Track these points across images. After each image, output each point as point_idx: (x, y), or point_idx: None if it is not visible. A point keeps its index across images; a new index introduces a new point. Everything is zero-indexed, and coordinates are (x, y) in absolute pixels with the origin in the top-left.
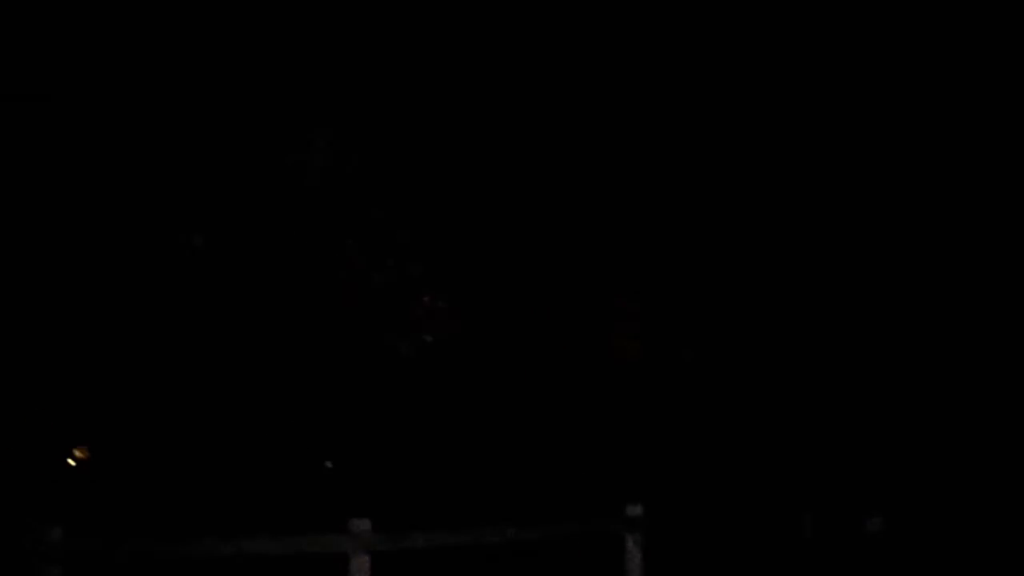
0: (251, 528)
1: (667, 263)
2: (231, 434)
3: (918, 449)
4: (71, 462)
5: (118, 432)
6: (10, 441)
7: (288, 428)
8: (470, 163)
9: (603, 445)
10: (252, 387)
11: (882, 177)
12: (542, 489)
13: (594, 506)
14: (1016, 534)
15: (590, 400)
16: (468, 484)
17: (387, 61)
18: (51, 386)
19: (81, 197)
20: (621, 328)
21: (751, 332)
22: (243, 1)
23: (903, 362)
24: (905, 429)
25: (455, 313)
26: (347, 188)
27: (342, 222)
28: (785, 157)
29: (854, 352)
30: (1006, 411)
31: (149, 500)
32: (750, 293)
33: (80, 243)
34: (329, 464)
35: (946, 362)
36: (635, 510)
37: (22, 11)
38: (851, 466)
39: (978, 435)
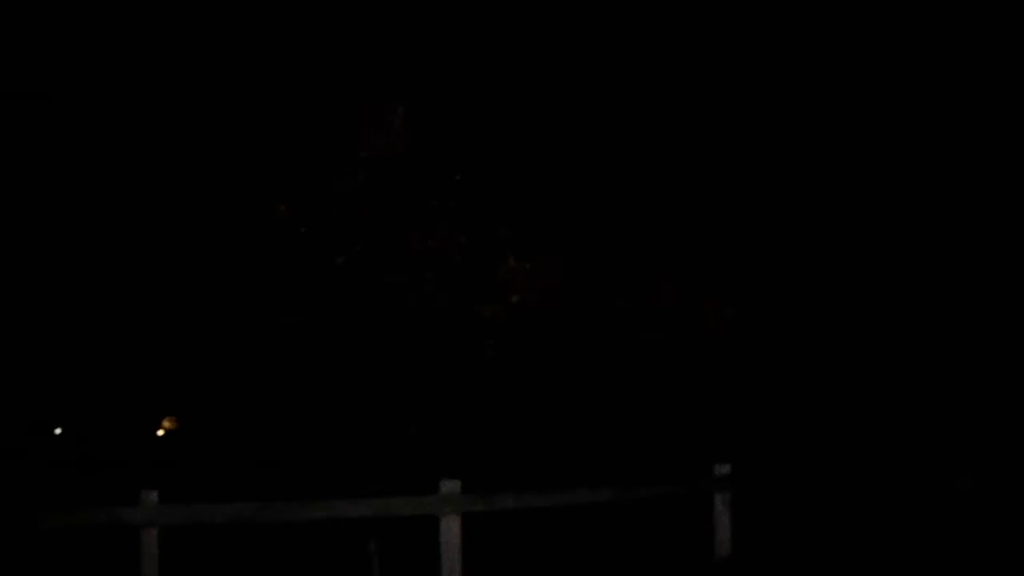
0: (343, 492)
1: (759, 225)
2: (320, 401)
3: (1007, 405)
4: (161, 432)
5: (208, 402)
6: (107, 413)
7: (376, 393)
8: (557, 123)
9: (692, 405)
10: (339, 354)
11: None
12: (630, 450)
13: (683, 466)
14: None
15: (677, 360)
16: (556, 445)
17: (466, 31)
18: (144, 359)
19: (172, 181)
20: (711, 289)
21: (834, 296)
22: None
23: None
24: (994, 388)
25: (542, 275)
26: (430, 153)
27: (425, 186)
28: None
29: (940, 319)
30: None
31: (238, 466)
32: (842, 254)
33: (186, 225)
34: (414, 429)
35: None
36: (723, 469)
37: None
38: (939, 424)
39: None
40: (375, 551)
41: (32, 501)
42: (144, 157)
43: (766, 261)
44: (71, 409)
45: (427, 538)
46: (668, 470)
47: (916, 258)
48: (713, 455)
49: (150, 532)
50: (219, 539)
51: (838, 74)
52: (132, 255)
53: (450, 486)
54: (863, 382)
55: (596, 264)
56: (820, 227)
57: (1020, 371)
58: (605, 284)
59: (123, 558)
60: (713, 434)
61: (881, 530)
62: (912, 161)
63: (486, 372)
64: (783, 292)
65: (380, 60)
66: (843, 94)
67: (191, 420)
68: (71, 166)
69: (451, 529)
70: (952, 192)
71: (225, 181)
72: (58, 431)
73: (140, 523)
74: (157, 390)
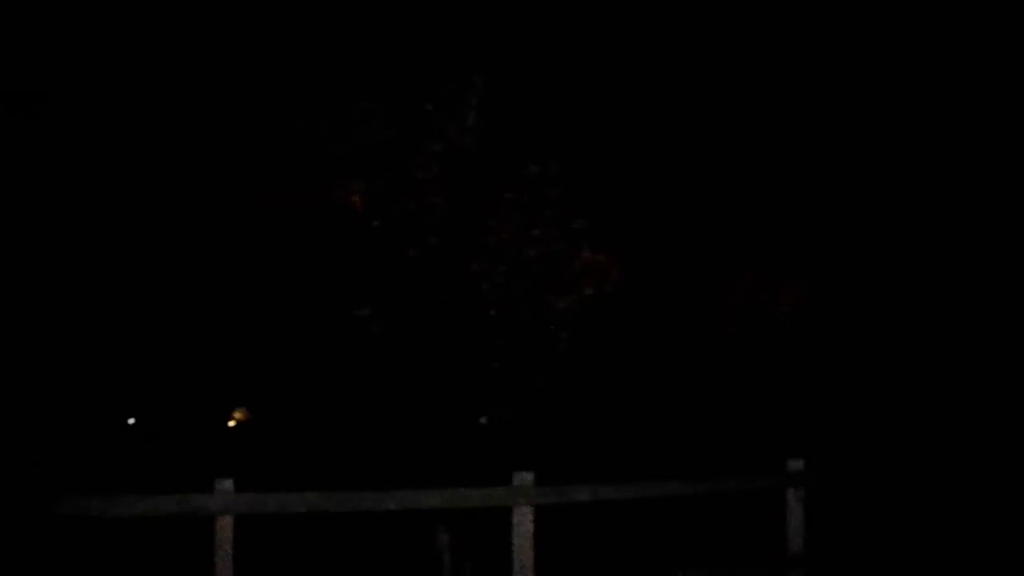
0: (414, 484)
1: (830, 213)
2: (392, 393)
3: None
4: (232, 423)
5: (280, 394)
6: (180, 405)
7: (448, 385)
8: (631, 115)
9: (765, 400)
10: (412, 346)
11: None
12: (702, 444)
13: (755, 460)
14: None
15: (751, 353)
16: (628, 438)
17: (540, 22)
18: (216, 351)
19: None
20: (784, 281)
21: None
22: None
23: None
24: None
25: (616, 266)
26: (504, 145)
27: (499, 178)
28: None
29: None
30: None
31: (309, 457)
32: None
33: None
34: (484, 419)
35: None
36: (797, 465)
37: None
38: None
39: None
40: (446, 543)
41: (104, 491)
42: (219, 147)
43: (842, 252)
44: (144, 401)
45: (498, 531)
46: (740, 464)
47: (1002, 240)
48: (786, 449)
49: (225, 520)
50: (290, 529)
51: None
52: (208, 247)
53: (523, 477)
54: (945, 372)
55: (670, 255)
56: (902, 213)
57: None
58: (679, 276)
59: (196, 550)
60: (786, 427)
61: (961, 531)
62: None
63: (559, 364)
64: (858, 284)
65: (454, 51)
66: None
67: (263, 411)
68: (139, 156)
69: (524, 521)
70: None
71: (301, 173)
72: (131, 421)
73: (215, 511)
74: (229, 382)
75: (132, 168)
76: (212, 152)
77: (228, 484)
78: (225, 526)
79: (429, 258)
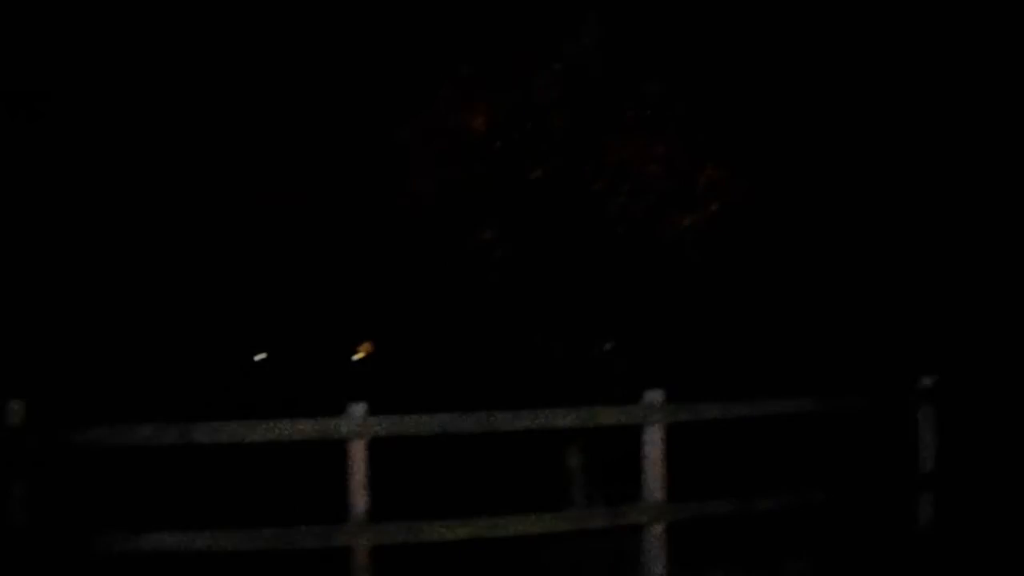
0: (545, 404)
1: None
2: (516, 319)
3: None
4: (359, 355)
5: (406, 324)
6: (310, 340)
7: (574, 308)
8: (752, 29)
9: (895, 313)
10: (536, 269)
11: None
12: (831, 360)
13: (886, 377)
14: None
15: (879, 266)
16: (756, 357)
17: None
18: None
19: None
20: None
21: None
22: None
23: None
24: None
25: (741, 182)
26: (625, 63)
27: (621, 96)
28: None
29: None
30: None
31: (435, 385)
32: None
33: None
34: (609, 345)
35: None
36: (928, 382)
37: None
38: None
39: None
40: (577, 465)
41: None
42: (342, 72)
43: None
44: (270, 336)
45: (625, 450)
46: (870, 382)
47: None
48: (918, 366)
49: (358, 444)
50: (421, 453)
51: None
52: (326, 178)
53: (653, 396)
54: None
55: (797, 169)
56: None
57: None
58: (806, 190)
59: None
60: (917, 343)
61: None
62: None
63: (684, 282)
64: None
65: None
66: None
67: (389, 343)
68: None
69: (655, 439)
70: None
71: (421, 98)
72: (260, 357)
73: (347, 435)
74: (353, 316)
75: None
76: (338, 78)
77: (360, 408)
78: (357, 449)
79: (552, 179)
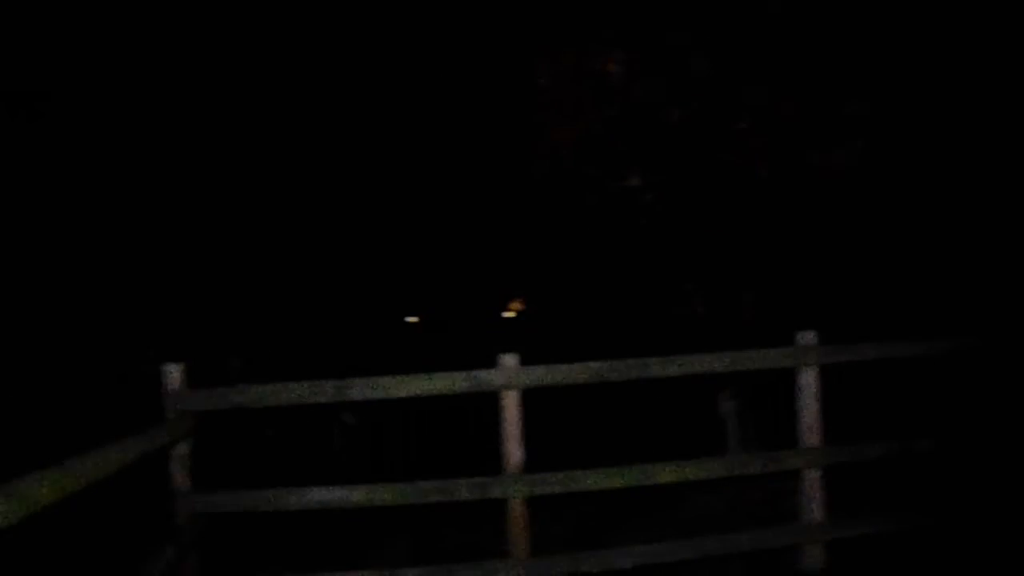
0: (691, 350)
1: None
2: (664, 262)
3: None
4: (510, 313)
5: (554, 279)
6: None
7: (717, 253)
8: None
9: None
10: (682, 208)
11: None
12: (994, 300)
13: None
14: None
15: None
16: (910, 299)
17: None
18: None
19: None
20: None
21: None
22: None
23: None
24: None
25: (885, 118)
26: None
27: (757, 39)
28: None
29: None
30: None
31: (583, 338)
32: None
33: None
34: (750, 296)
35: None
36: None
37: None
38: None
39: None
40: (731, 410)
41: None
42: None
43: None
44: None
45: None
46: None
47: None
48: None
49: (510, 395)
50: (579, 404)
51: None
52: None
53: (807, 337)
54: None
55: (939, 107)
56: None
57: None
58: (952, 123)
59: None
60: None
61: None
62: None
63: (824, 223)
64: None
65: None
66: None
67: (538, 300)
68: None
69: (810, 381)
70: None
71: (559, 45)
72: (412, 319)
73: (500, 385)
74: (502, 272)
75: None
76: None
77: (512, 358)
78: (511, 400)
79: (693, 121)
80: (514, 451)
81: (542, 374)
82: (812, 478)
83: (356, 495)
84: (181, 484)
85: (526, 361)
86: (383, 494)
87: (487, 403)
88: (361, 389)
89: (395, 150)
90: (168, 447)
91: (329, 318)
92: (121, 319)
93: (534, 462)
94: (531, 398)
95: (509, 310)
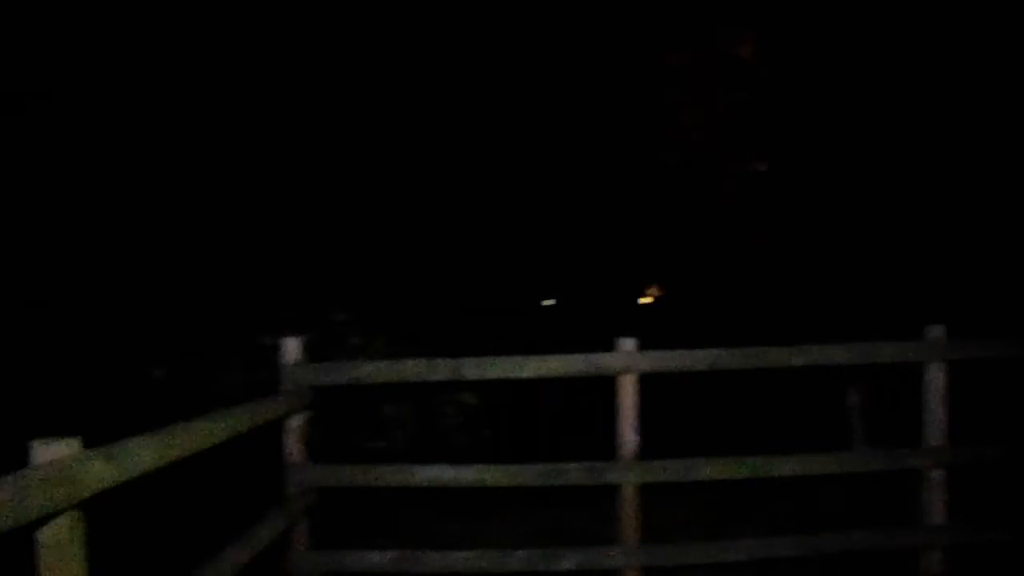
0: (823, 340)
1: None
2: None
3: None
4: (647, 299)
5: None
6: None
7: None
8: None
9: None
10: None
11: None
12: None
13: None
14: None
15: None
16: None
17: None
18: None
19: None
20: None
21: None
22: None
23: None
24: None
25: None
26: None
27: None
28: None
29: None
30: None
31: (714, 325)
32: None
33: None
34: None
35: None
36: None
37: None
38: None
39: None
40: (856, 404)
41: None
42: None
43: None
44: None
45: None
46: None
47: None
48: None
49: (627, 379)
50: (693, 391)
51: None
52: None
53: (936, 331)
54: None
55: None
56: None
57: None
58: None
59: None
60: None
61: None
62: None
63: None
64: None
65: None
66: None
67: (673, 286)
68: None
69: (937, 377)
70: None
71: (690, 31)
72: (546, 303)
73: (617, 369)
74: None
75: None
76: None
77: (630, 342)
78: (627, 384)
79: (821, 106)
80: (629, 436)
81: (660, 359)
82: (935, 478)
83: (467, 475)
84: (295, 456)
85: (656, 347)
86: (494, 475)
87: (611, 388)
88: (476, 368)
89: (540, 139)
90: (283, 418)
91: (468, 299)
92: (250, 290)
93: (648, 449)
94: (650, 384)
95: (646, 296)
